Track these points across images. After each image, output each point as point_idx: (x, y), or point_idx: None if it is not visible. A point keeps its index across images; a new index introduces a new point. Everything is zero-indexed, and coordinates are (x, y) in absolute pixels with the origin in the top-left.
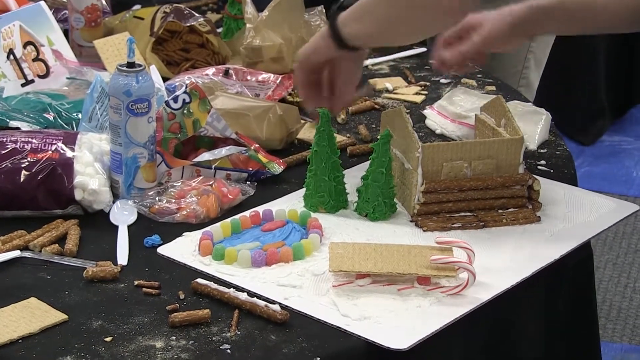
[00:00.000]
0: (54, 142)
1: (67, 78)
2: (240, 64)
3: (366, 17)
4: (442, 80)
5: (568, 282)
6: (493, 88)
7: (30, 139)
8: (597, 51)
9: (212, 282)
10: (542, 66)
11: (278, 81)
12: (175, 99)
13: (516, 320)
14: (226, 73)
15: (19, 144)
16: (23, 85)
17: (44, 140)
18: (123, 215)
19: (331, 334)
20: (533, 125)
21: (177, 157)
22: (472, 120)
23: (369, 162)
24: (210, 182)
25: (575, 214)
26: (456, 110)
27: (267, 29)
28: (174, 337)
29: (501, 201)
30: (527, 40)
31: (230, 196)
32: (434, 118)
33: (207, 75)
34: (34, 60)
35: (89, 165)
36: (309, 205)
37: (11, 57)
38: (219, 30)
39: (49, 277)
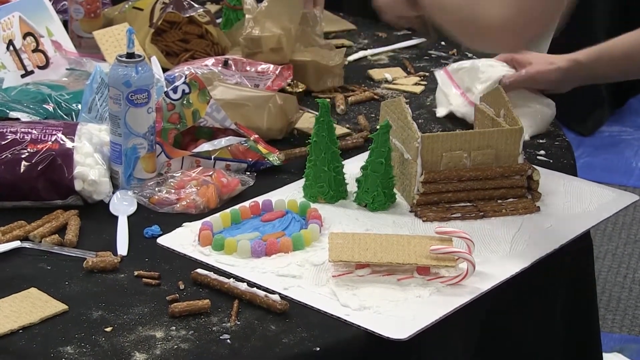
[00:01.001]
0: (54, 132)
1: (67, 69)
2: (239, 54)
3: None
4: None
5: (567, 272)
6: None
7: (30, 130)
8: (596, 41)
9: (211, 273)
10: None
11: (277, 72)
12: (175, 90)
13: (515, 311)
14: (225, 64)
15: (18, 134)
16: (23, 76)
17: (44, 131)
18: (123, 205)
19: (331, 324)
20: (530, 116)
21: (177, 147)
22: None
23: (368, 152)
24: (210, 173)
25: (574, 204)
26: (467, 83)
27: (266, 20)
28: (174, 327)
29: (501, 191)
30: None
31: (229, 187)
32: (444, 83)
33: (206, 65)
34: (33, 51)
35: (89, 156)
36: (309, 196)
37: (11, 48)
38: (218, 21)
39: (49, 267)
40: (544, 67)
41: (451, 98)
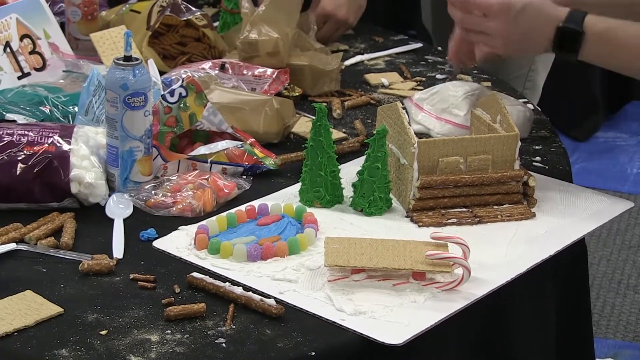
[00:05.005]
0: (51, 135)
1: (64, 71)
2: (236, 58)
3: None
4: (438, 76)
5: (562, 278)
6: (488, 84)
7: (26, 132)
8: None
9: (207, 276)
10: (548, 68)
11: (274, 76)
12: (172, 93)
13: (510, 316)
14: (222, 67)
15: (15, 136)
16: (19, 78)
17: (41, 133)
18: (119, 208)
19: (326, 329)
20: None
21: (173, 150)
22: (455, 118)
23: (364, 157)
24: (206, 176)
25: (569, 211)
26: (440, 105)
27: (263, 24)
28: (169, 331)
29: (496, 197)
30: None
31: (226, 190)
32: (415, 113)
33: (203, 69)
34: (30, 53)
35: (85, 159)
36: (305, 200)
37: (8, 49)
38: (216, 24)
39: (44, 270)
40: (543, 23)
41: (426, 124)
